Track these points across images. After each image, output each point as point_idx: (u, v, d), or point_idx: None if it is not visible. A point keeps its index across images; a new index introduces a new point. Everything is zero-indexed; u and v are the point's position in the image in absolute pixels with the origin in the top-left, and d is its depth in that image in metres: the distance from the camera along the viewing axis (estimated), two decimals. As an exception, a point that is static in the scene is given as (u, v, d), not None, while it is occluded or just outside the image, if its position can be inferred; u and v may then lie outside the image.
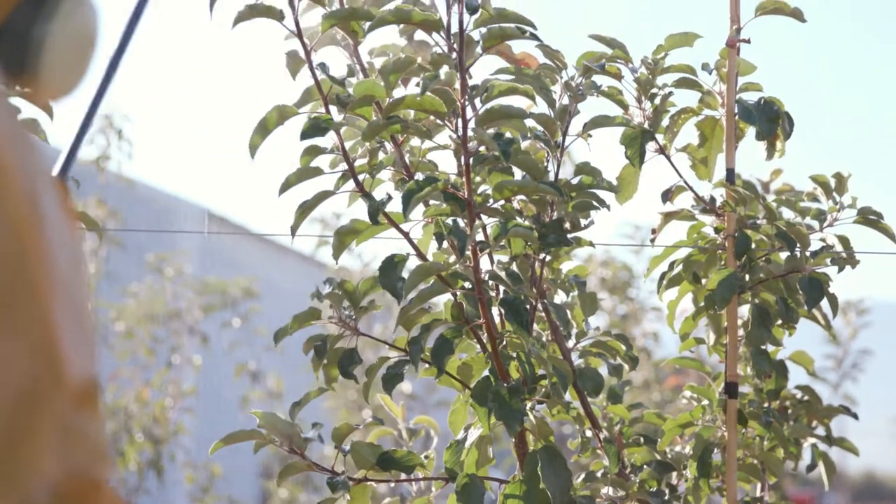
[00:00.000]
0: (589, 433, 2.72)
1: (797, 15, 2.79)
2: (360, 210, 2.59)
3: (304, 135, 2.50)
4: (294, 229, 2.54)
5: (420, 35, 2.60)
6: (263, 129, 2.52)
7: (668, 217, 2.87)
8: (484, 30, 2.48)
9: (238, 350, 10.48)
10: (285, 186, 2.53)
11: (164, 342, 9.50)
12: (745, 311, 2.84)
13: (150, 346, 9.32)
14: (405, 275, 2.52)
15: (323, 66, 2.54)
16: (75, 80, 1.26)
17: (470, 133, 2.49)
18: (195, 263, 13.92)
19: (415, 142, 2.65)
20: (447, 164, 2.62)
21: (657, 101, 2.76)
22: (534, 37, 2.52)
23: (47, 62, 1.20)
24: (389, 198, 2.56)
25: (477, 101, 2.51)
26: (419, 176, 2.59)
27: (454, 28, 2.49)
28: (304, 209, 2.55)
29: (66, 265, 0.96)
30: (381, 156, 2.61)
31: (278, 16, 2.54)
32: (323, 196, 2.56)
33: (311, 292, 2.66)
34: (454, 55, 2.49)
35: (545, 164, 2.63)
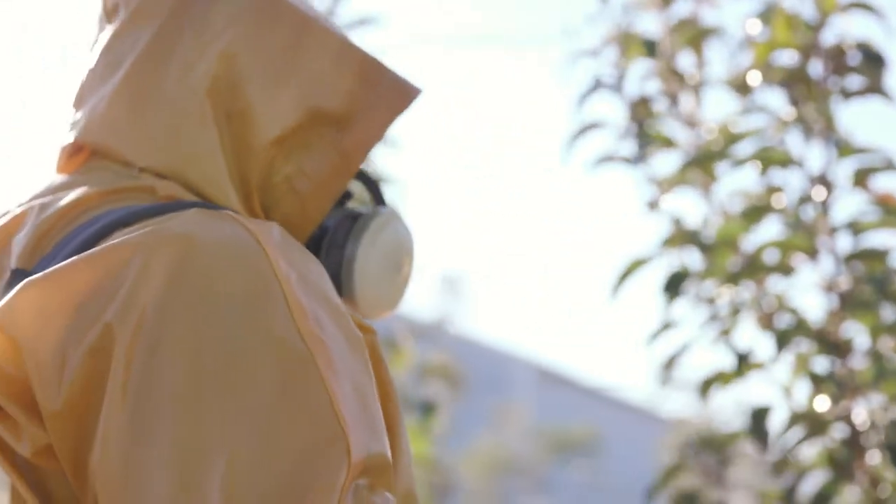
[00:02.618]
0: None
1: None
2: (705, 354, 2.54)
3: (667, 288, 2.47)
4: (663, 381, 2.51)
5: (776, 173, 2.55)
6: (623, 277, 2.51)
7: None
8: (847, 166, 2.41)
9: (584, 500, 10.44)
10: (651, 338, 2.50)
11: (508, 492, 9.55)
12: None
13: (495, 494, 9.37)
14: (774, 422, 2.44)
15: (678, 220, 2.51)
16: (386, 302, 1.31)
17: (837, 272, 2.41)
18: (532, 414, 13.97)
19: (776, 283, 2.58)
20: (812, 304, 2.54)
21: None
22: (898, 170, 2.43)
23: (357, 282, 1.28)
24: (751, 350, 2.50)
25: (841, 238, 2.43)
26: (783, 318, 2.51)
27: (810, 164, 2.43)
28: (671, 361, 2.51)
29: (351, 367, 1.07)
30: (741, 298, 2.55)
31: (635, 162, 2.54)
32: (687, 346, 2.52)
33: (663, 444, 2.61)
34: (814, 192, 2.43)
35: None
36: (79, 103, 1.27)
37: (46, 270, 1.08)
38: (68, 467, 1.06)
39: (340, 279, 1.28)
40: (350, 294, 1.29)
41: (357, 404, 1.06)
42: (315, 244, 1.29)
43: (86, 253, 1.09)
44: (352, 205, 1.36)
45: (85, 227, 1.16)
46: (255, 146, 1.22)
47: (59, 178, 1.24)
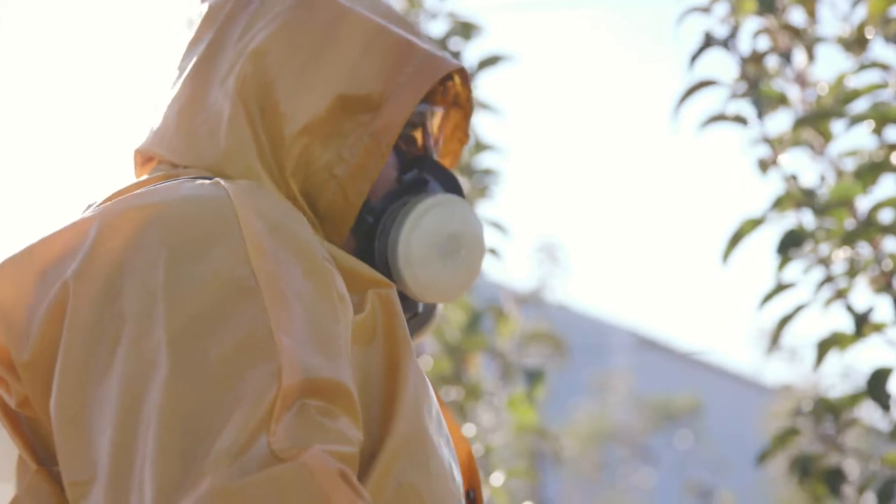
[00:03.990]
0: None
1: None
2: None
3: (781, 249, 2.42)
4: (773, 342, 2.46)
5: (891, 133, 2.48)
6: (736, 239, 2.46)
7: None
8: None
9: (686, 468, 10.37)
10: (763, 301, 2.45)
11: (610, 460, 9.51)
12: None
13: (596, 464, 9.34)
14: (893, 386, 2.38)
15: (794, 179, 2.45)
16: (440, 287, 1.35)
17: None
18: (633, 382, 13.90)
19: (892, 243, 2.51)
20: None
21: None
22: None
23: (402, 266, 1.33)
24: (869, 311, 2.44)
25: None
26: (900, 279, 2.45)
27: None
28: (783, 324, 2.46)
29: (309, 302, 1.11)
30: (857, 259, 2.49)
31: (744, 122, 2.49)
32: (801, 308, 2.46)
33: (768, 412, 2.56)
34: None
35: None
36: (150, 115, 1.39)
37: (25, 246, 1.19)
38: (42, 415, 1.14)
39: (389, 264, 1.33)
40: (399, 279, 1.33)
41: (308, 334, 1.10)
42: (371, 231, 1.34)
43: (59, 227, 1.19)
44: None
45: None
46: (287, 136, 1.29)
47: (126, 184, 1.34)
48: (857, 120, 2.38)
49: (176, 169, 1.31)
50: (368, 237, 1.35)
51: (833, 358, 2.56)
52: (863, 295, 2.51)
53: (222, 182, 1.20)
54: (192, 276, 1.11)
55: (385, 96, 1.31)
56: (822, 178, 2.50)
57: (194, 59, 1.34)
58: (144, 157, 1.39)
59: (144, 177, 1.32)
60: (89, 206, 1.29)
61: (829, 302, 2.50)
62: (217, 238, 1.13)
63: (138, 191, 1.22)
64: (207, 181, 1.22)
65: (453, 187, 1.40)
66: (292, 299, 1.11)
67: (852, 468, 2.56)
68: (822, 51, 2.53)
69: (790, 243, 2.42)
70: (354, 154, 1.30)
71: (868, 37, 2.38)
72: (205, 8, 1.38)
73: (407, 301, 1.38)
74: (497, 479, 3.33)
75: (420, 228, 1.33)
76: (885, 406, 2.36)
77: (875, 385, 2.37)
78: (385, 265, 1.34)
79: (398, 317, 1.23)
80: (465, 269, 1.36)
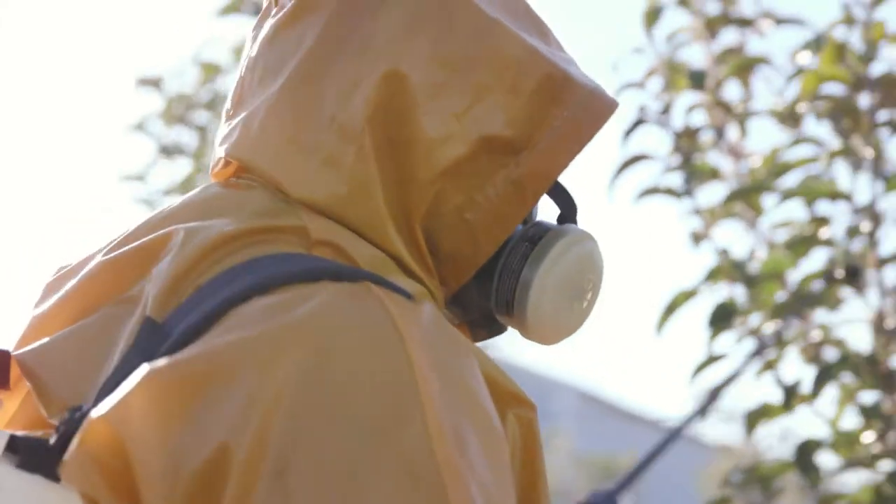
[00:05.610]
0: None
1: None
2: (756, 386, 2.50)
3: (712, 322, 2.46)
4: (703, 412, 2.48)
5: (822, 206, 2.53)
6: (670, 310, 2.49)
7: None
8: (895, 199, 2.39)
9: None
10: (696, 371, 2.48)
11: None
12: None
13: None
14: (821, 457, 2.41)
15: (725, 253, 2.49)
16: (562, 331, 1.22)
17: (885, 305, 2.38)
18: (575, 441, 13.95)
19: (822, 316, 2.55)
20: (859, 337, 2.52)
21: None
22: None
23: (531, 312, 1.18)
24: (797, 383, 2.47)
25: (889, 271, 2.41)
26: (829, 351, 2.49)
27: (857, 196, 2.40)
28: (716, 392, 2.49)
29: (492, 491, 0.98)
30: (787, 331, 2.53)
31: (677, 195, 2.53)
32: (733, 379, 2.49)
33: (709, 472, 2.58)
34: (861, 225, 2.41)
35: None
36: (237, 105, 1.19)
37: (168, 361, 0.98)
38: None
39: (513, 306, 1.19)
40: (521, 322, 1.19)
41: None
42: (489, 266, 1.19)
43: (207, 347, 1.00)
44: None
45: (223, 281, 1.05)
46: (421, 178, 1.11)
47: (212, 191, 1.16)
48: (788, 195, 2.42)
49: (284, 195, 1.12)
50: (487, 271, 1.19)
51: (766, 426, 2.59)
52: (794, 365, 2.55)
53: (385, 302, 1.02)
54: (370, 462, 0.95)
55: (535, 138, 1.13)
56: (753, 252, 2.54)
57: (302, 52, 1.14)
58: (227, 161, 1.19)
59: (251, 219, 1.10)
60: (178, 213, 1.12)
61: (759, 372, 2.53)
62: (396, 414, 0.97)
63: (296, 310, 1.01)
64: (354, 285, 1.04)
65: (570, 209, 1.24)
66: (477, 496, 0.96)
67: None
68: (756, 122, 2.58)
69: (721, 317, 2.45)
70: (492, 200, 1.12)
71: (798, 114, 2.42)
72: None
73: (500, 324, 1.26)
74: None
75: (555, 272, 1.18)
76: (814, 480, 2.38)
77: (802, 457, 2.39)
78: (506, 305, 1.19)
79: (537, 444, 1.08)
80: (586, 312, 1.23)
